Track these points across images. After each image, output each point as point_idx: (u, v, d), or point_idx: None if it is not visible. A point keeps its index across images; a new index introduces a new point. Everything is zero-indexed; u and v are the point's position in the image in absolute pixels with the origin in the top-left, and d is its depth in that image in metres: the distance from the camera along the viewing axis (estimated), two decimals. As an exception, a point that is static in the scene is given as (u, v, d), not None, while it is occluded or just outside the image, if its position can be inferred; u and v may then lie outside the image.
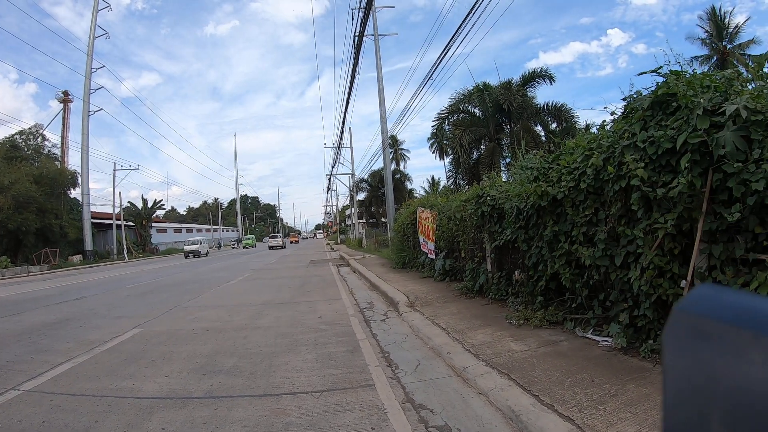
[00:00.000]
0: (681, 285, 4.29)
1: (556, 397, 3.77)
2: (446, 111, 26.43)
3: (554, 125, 24.24)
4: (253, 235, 75.77)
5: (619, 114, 5.29)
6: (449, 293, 9.32)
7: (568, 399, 3.71)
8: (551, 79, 24.28)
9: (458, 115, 26.46)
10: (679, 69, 4.74)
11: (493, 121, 25.04)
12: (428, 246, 12.49)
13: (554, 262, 5.91)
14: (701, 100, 4.01)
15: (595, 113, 24.15)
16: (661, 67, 4.85)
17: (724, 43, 32.94)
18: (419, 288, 10.34)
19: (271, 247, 52.90)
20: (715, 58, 32.86)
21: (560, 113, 23.77)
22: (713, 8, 33.24)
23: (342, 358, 5.61)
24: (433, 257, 12.04)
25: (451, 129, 26.63)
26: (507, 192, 7.24)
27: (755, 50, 30.64)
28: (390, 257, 18.83)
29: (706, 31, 33.64)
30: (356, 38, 19.54)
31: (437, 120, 27.32)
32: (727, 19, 32.89)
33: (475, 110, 26.13)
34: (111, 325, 8.55)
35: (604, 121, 5.67)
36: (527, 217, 6.42)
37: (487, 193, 7.92)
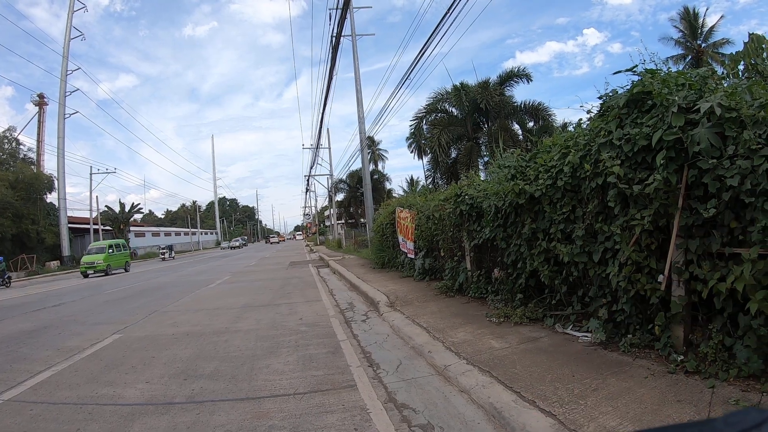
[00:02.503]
0: (658, 280, 4.35)
1: (537, 392, 3.79)
2: (424, 110, 26.51)
3: (531, 124, 24.48)
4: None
5: (596, 112, 5.35)
6: (429, 292, 9.33)
7: (550, 394, 3.73)
8: (528, 78, 24.53)
9: (436, 115, 26.53)
10: (655, 68, 4.81)
11: (470, 120, 25.18)
12: (407, 246, 12.50)
13: (533, 260, 5.95)
14: (676, 98, 4.06)
15: (571, 112, 24.60)
16: (636, 66, 4.91)
17: (698, 42, 33.61)
18: (399, 288, 10.33)
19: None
20: (689, 57, 33.50)
21: (537, 112, 23.98)
22: (686, 8, 33.95)
23: (323, 360, 5.57)
24: (413, 257, 12.04)
25: (429, 128, 26.70)
26: (485, 191, 7.27)
27: (729, 49, 31.28)
28: (370, 257, 18.79)
29: (680, 31, 34.30)
30: (333, 39, 19.45)
31: (415, 119, 27.42)
32: (700, 19, 33.63)
33: (453, 110, 26.23)
34: (90, 331, 8.38)
35: (581, 119, 5.74)
36: (505, 216, 6.46)
37: (466, 192, 7.95)
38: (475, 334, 5.85)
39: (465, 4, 11.55)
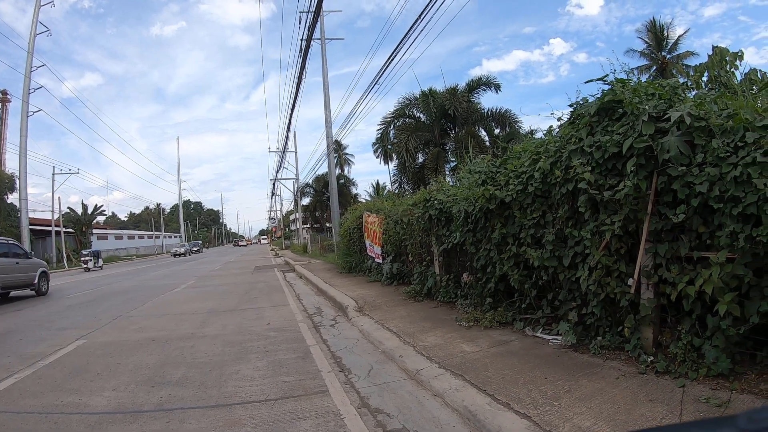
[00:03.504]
0: (628, 283, 4.44)
1: (511, 395, 3.80)
2: (392, 115, 26.56)
3: (497, 130, 24.81)
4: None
5: (566, 120, 5.45)
6: (398, 297, 9.30)
7: (523, 397, 3.75)
8: (497, 87, 24.82)
9: (404, 120, 26.61)
10: (625, 77, 4.94)
11: (438, 126, 25.36)
12: (375, 250, 12.46)
13: (503, 264, 6.01)
14: (647, 107, 4.18)
15: (538, 119, 24.99)
16: (607, 75, 5.02)
17: (663, 53, 34.72)
18: (367, 292, 10.28)
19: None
20: (654, 68, 34.56)
21: (504, 119, 24.32)
22: (653, 20, 35.10)
23: (294, 365, 5.46)
24: (380, 261, 12.01)
25: (396, 133, 26.76)
26: (455, 196, 7.31)
27: (693, 61, 32.32)
28: (336, 262, 18.67)
29: (646, 42, 35.38)
30: (304, 41, 19.26)
31: (383, 124, 27.45)
32: (666, 31, 34.75)
33: (421, 115, 26.35)
34: (53, 337, 8.02)
35: (551, 126, 5.83)
36: (475, 221, 6.50)
37: (435, 197, 7.98)
38: (446, 338, 5.85)
39: (436, 11, 11.63)
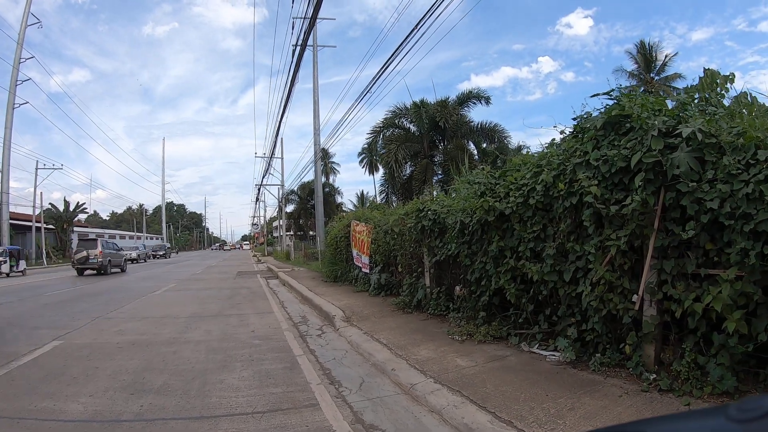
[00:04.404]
0: (632, 300, 4.37)
1: (513, 413, 3.66)
2: (381, 125, 26.48)
3: (484, 145, 24.87)
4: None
5: (568, 133, 5.40)
6: (386, 308, 9.13)
7: (526, 414, 3.62)
8: (487, 101, 24.95)
9: (393, 130, 26.53)
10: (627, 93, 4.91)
11: (427, 137, 25.35)
12: (362, 260, 12.29)
13: (499, 278, 5.89)
14: (656, 122, 4.13)
15: (524, 135, 25.06)
16: (612, 90, 5.00)
17: (651, 75, 35.19)
18: (354, 302, 10.08)
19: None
20: (642, 88, 35.03)
21: (494, 133, 24.41)
22: (642, 42, 35.61)
23: (281, 376, 5.26)
24: (368, 271, 11.83)
25: (384, 144, 26.67)
26: (449, 207, 7.20)
27: (681, 83, 32.57)
28: (320, 270, 18.43)
29: (636, 63, 35.85)
30: (297, 47, 19.14)
31: (372, 133, 27.30)
32: (655, 53, 35.27)
33: (411, 126, 26.35)
34: (28, 336, 7.69)
35: (554, 139, 5.77)
36: (471, 232, 6.39)
37: (429, 207, 7.86)
38: (439, 351, 5.70)
39: (431, 24, 11.67)
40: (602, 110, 4.90)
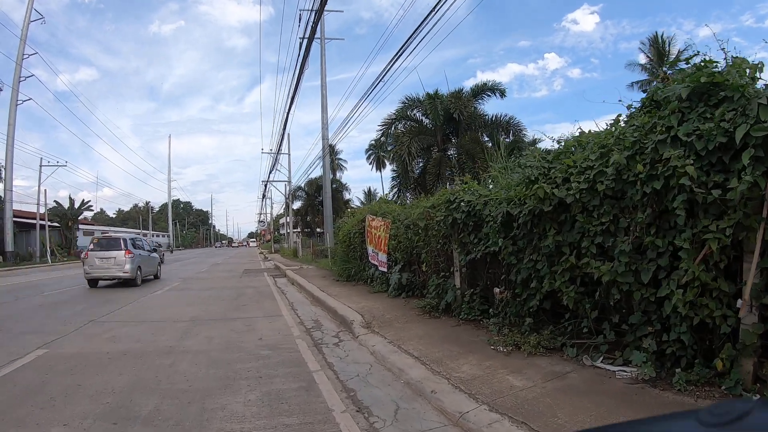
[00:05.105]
0: (737, 305, 3.49)
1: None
2: (394, 116, 25.45)
3: (502, 137, 23.95)
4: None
5: (636, 108, 4.54)
6: (409, 312, 8.22)
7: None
8: (502, 93, 24.05)
9: (406, 122, 25.63)
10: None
11: (440, 130, 24.39)
12: (379, 258, 11.39)
13: (554, 278, 4.98)
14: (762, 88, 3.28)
15: (531, 132, 24.13)
16: (695, 54, 4.16)
17: (664, 68, 34.04)
18: (373, 305, 9.18)
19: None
20: (654, 83, 33.96)
21: (509, 126, 23.50)
22: (656, 34, 34.50)
23: (295, 399, 4.38)
24: (385, 270, 10.92)
25: (396, 137, 25.75)
26: (487, 197, 6.29)
27: None
28: (331, 268, 17.57)
29: (648, 56, 34.76)
30: (303, 40, 18.41)
31: (384, 125, 26.16)
32: (668, 46, 34.17)
33: (424, 118, 25.44)
34: (12, 343, 6.94)
35: (620, 115, 4.87)
36: (520, 225, 5.46)
37: (461, 197, 6.90)
38: (484, 367, 4.81)
39: (437, 21, 11.24)
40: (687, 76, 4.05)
